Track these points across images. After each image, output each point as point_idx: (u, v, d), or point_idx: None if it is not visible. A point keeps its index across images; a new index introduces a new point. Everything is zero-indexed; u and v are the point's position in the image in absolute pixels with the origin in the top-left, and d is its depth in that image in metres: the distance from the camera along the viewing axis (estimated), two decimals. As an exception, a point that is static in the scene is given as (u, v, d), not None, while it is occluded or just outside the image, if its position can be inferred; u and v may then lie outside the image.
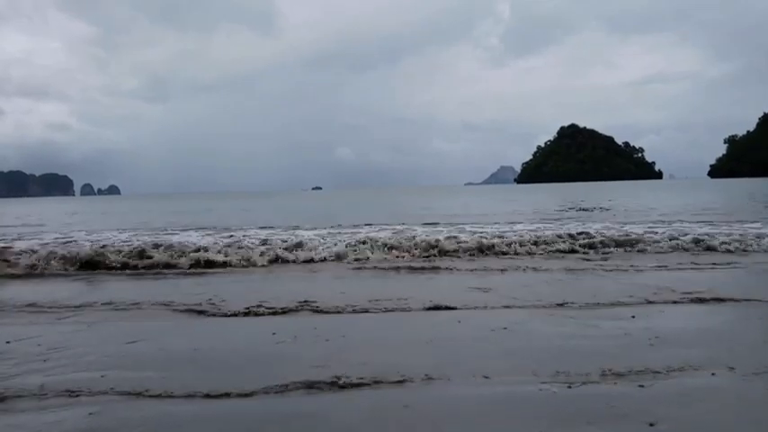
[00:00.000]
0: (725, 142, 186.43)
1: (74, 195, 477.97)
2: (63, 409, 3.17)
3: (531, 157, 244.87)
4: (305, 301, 5.84)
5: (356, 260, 9.13)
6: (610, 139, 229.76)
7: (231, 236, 11.10)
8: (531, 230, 10.89)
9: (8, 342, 4.59)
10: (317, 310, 5.56)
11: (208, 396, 3.29)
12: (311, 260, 9.19)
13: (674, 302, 5.65)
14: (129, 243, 10.00)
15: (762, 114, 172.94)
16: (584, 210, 22.97)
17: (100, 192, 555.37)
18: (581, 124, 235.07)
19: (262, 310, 5.59)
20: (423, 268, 8.35)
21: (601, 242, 9.73)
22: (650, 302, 5.63)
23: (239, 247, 9.54)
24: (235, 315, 5.48)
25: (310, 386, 3.38)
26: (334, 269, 8.60)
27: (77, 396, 3.33)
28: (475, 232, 10.83)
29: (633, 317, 5.01)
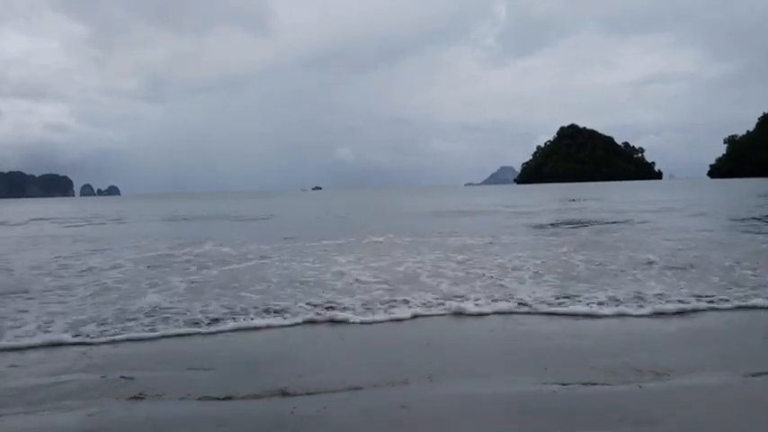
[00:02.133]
0: (725, 142, 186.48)
1: (73, 196, 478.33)
2: (62, 410, 3.16)
3: (530, 157, 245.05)
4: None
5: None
6: (610, 140, 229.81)
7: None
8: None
9: None
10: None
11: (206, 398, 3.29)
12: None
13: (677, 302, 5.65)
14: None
15: (761, 114, 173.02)
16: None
17: (100, 192, 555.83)
18: (580, 124, 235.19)
19: None
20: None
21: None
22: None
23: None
24: None
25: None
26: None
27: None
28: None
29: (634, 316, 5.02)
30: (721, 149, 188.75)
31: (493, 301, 5.71)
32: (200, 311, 5.49)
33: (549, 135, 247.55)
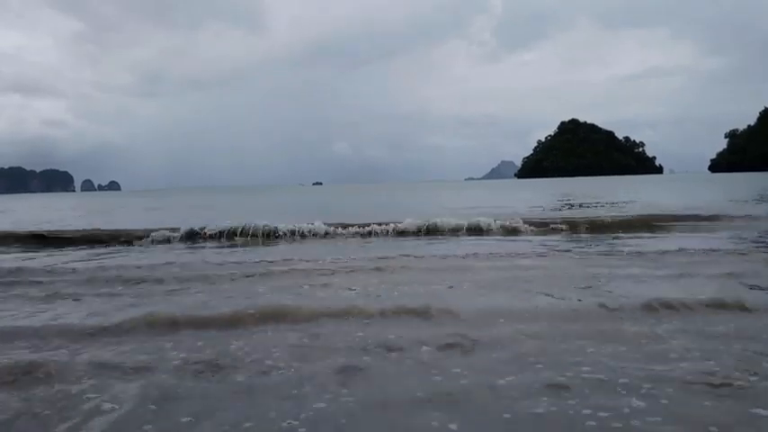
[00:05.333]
0: (726, 137, 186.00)
1: (74, 191, 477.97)
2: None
3: (531, 151, 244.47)
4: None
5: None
6: (610, 134, 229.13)
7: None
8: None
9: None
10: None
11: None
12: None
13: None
14: None
15: (762, 108, 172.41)
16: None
17: (100, 187, 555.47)
18: (579, 119, 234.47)
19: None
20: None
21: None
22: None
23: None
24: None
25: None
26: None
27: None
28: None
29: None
30: (718, 144, 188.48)
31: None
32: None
33: (547, 130, 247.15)
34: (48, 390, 3.18)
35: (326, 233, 12.10)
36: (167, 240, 11.85)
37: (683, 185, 46.08)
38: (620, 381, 3.14)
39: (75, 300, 5.71)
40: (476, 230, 12.33)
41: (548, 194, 35.42)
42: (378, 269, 7.16)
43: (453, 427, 2.65)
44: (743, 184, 42.93)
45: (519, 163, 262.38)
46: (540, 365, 3.42)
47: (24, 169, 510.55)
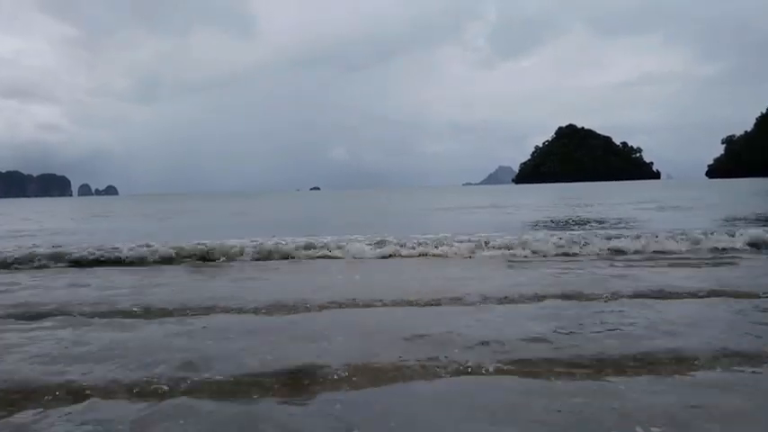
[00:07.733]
0: (723, 142, 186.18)
1: (71, 195, 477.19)
2: None
3: (528, 157, 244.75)
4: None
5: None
6: (608, 139, 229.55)
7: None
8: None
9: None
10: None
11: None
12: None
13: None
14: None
15: (759, 114, 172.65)
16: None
17: (97, 192, 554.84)
18: (576, 124, 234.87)
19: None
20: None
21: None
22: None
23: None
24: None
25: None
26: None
27: None
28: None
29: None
30: (716, 149, 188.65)
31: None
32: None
33: (545, 135, 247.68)
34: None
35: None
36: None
37: (680, 193, 45.63)
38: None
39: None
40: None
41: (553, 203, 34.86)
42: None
43: None
44: (743, 191, 41.88)
45: (516, 168, 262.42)
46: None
47: (22, 173, 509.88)
